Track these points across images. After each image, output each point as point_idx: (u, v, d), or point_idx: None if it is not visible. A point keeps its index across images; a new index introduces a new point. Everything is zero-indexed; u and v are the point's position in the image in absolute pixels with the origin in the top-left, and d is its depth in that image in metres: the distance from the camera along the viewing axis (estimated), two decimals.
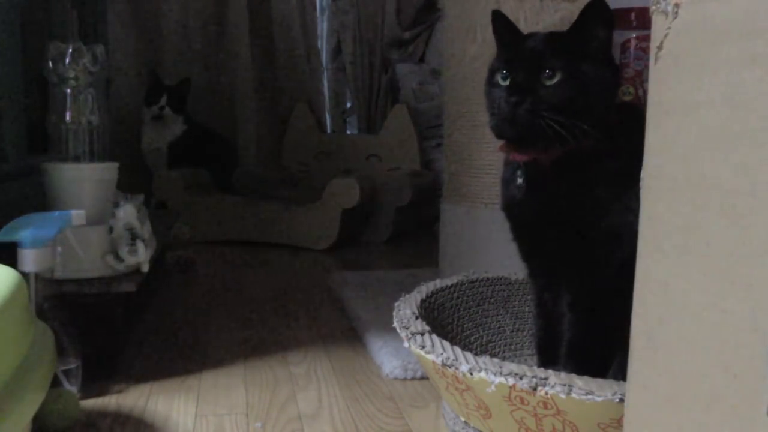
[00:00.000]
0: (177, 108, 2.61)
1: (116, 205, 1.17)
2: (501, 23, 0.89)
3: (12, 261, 0.86)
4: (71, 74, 1.18)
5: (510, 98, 0.81)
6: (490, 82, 0.87)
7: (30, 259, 0.91)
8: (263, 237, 2.42)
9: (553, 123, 0.78)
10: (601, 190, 0.81)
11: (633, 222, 0.77)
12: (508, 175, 0.90)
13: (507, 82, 0.83)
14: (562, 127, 0.78)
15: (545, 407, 0.70)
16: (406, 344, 0.86)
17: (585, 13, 0.81)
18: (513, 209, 0.90)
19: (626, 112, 0.83)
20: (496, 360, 0.74)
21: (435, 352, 0.80)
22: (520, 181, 0.87)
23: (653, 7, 0.43)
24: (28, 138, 1.32)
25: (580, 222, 0.83)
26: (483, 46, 1.43)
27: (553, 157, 0.83)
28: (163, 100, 2.59)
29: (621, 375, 0.68)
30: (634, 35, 1.22)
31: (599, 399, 0.66)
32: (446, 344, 0.81)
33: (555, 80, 0.80)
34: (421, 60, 3.20)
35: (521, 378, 0.70)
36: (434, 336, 0.84)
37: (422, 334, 0.85)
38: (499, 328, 1.16)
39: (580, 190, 0.82)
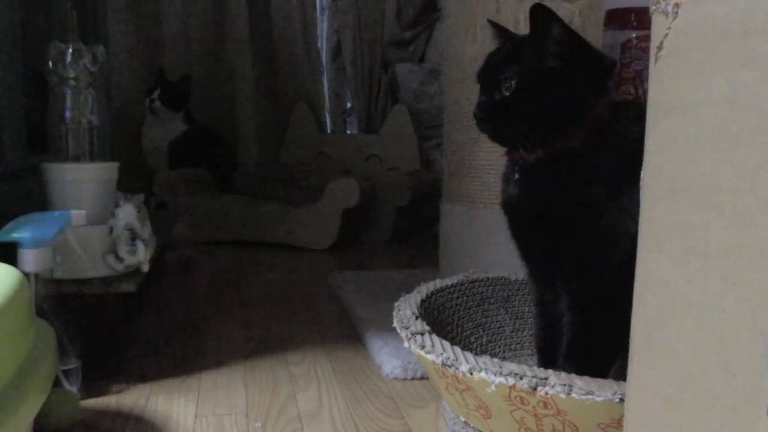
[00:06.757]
0: (171, 104, 2.60)
1: (116, 205, 1.17)
2: (495, 30, 0.90)
3: (12, 261, 0.86)
4: (71, 74, 1.18)
5: (476, 110, 0.84)
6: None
7: (30, 259, 0.91)
8: (263, 237, 2.42)
9: (512, 132, 0.81)
10: (590, 189, 0.80)
11: (627, 223, 0.77)
12: (507, 172, 0.90)
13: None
14: (523, 135, 0.80)
15: (545, 407, 0.70)
16: (406, 344, 0.86)
17: (531, 14, 0.81)
18: (509, 206, 0.90)
19: (621, 110, 0.83)
20: (496, 360, 0.74)
21: (435, 352, 0.80)
22: (516, 176, 0.87)
23: (653, 7, 0.43)
24: (28, 138, 1.32)
25: (569, 221, 0.82)
26: (483, 46, 1.43)
27: (537, 156, 0.83)
28: (156, 94, 2.58)
29: (621, 375, 0.68)
30: (634, 35, 1.21)
31: (599, 399, 0.66)
32: (446, 344, 0.81)
33: (512, 89, 0.81)
34: (421, 60, 3.20)
35: (521, 378, 0.70)
36: (434, 336, 0.84)
37: (422, 334, 0.85)
38: (499, 328, 1.16)
39: (568, 189, 0.82)
